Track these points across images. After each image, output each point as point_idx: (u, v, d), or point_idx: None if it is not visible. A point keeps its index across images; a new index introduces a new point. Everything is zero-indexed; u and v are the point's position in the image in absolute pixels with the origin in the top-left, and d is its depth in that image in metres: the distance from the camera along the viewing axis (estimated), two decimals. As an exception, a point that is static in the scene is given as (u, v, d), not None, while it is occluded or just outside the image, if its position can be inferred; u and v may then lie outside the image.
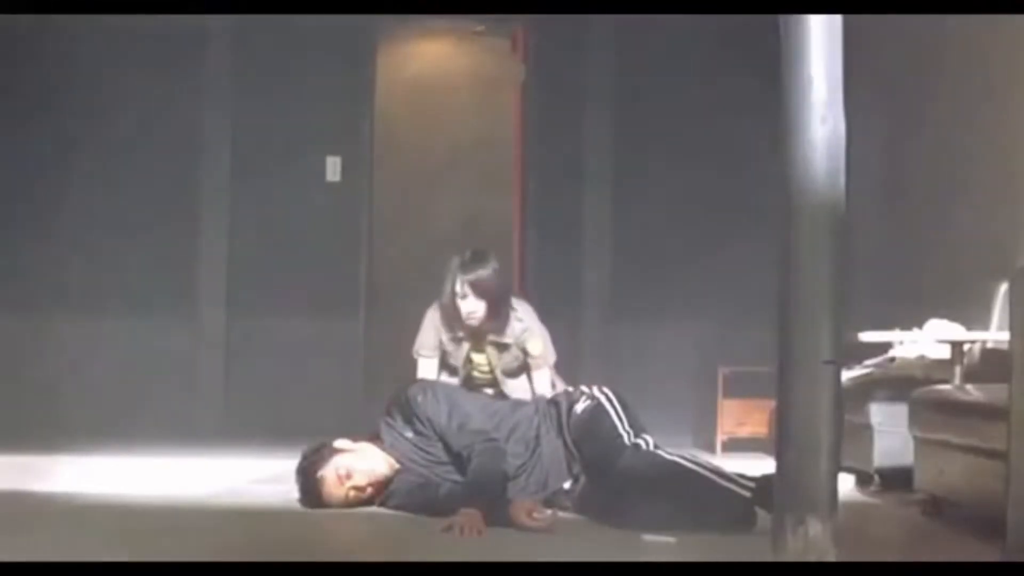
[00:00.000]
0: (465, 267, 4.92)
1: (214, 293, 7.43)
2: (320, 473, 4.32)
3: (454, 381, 5.09)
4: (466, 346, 5.10)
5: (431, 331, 5.09)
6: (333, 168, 7.47)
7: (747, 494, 4.04)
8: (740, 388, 6.65)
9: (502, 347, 5.07)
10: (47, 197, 7.27)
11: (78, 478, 4.97)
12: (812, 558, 3.03)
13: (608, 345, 7.28)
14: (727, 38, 7.08)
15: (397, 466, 4.40)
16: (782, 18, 3.15)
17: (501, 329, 5.04)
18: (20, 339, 7.19)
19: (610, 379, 4.98)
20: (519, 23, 7.64)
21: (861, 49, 4.10)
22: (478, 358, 5.14)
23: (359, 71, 7.52)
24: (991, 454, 3.78)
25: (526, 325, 5.08)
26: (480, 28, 8.35)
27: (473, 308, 4.91)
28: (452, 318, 4.99)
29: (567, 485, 4.39)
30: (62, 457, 5.54)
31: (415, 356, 5.12)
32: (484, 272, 4.90)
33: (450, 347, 5.11)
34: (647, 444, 4.36)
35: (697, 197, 7.39)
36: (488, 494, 4.08)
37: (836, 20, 3.13)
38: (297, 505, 4.42)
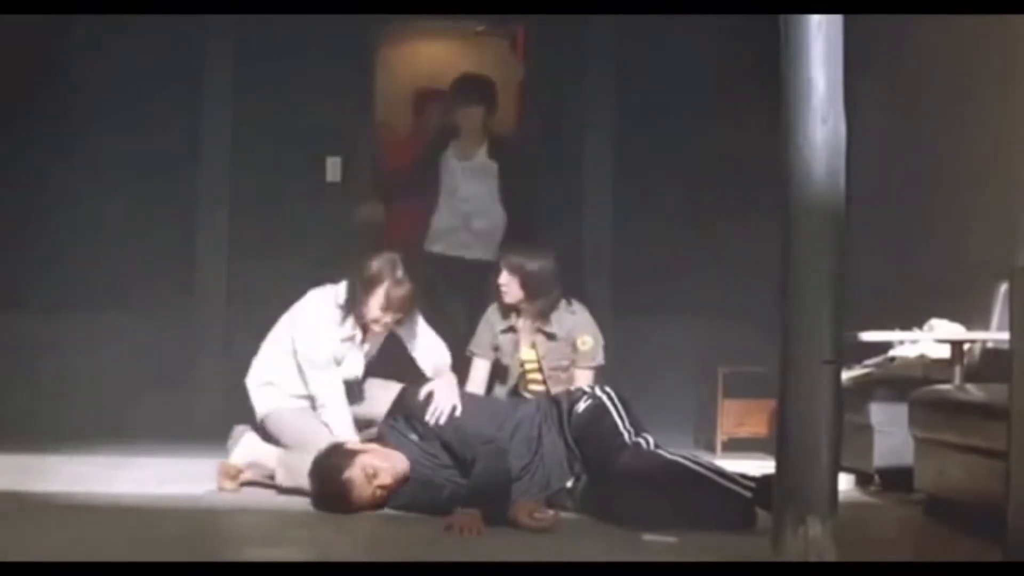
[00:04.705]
0: (505, 247, 5.38)
1: (214, 292, 7.42)
2: (347, 475, 4.24)
3: (502, 391, 5.25)
4: (516, 340, 5.24)
5: (485, 330, 5.34)
6: (333, 168, 7.46)
7: (747, 494, 4.04)
8: (740, 388, 6.64)
9: (550, 336, 5.21)
10: (46, 195, 7.27)
11: (78, 478, 4.97)
12: (812, 558, 3.04)
13: (608, 345, 7.27)
14: (728, 38, 7.07)
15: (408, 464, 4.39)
16: (782, 18, 3.16)
17: (546, 315, 5.20)
18: (20, 338, 7.18)
19: (609, 379, 4.99)
20: (519, 23, 7.64)
21: (861, 48, 4.10)
22: (528, 355, 5.28)
23: (359, 71, 7.52)
24: (991, 454, 3.78)
25: (579, 319, 5.25)
26: (480, 28, 8.35)
27: (505, 281, 5.16)
28: (498, 297, 5.25)
29: (569, 484, 4.39)
30: (62, 457, 5.53)
31: (468, 355, 5.34)
32: (520, 255, 5.19)
33: (503, 342, 5.27)
34: (648, 443, 4.37)
35: (697, 197, 7.38)
36: (492, 497, 4.08)
37: (836, 20, 3.14)
38: (297, 505, 4.43)
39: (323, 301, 4.98)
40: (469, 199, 6.33)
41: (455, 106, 6.42)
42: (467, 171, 6.35)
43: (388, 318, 4.87)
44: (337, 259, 6.41)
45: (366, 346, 5.03)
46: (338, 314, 4.94)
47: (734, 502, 4.05)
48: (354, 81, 7.48)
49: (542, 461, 4.39)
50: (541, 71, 7.59)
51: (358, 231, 6.61)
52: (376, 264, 4.84)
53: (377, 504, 4.31)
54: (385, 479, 4.28)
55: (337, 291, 4.98)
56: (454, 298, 6.16)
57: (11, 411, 6.62)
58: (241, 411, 7.17)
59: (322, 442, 4.54)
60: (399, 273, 4.83)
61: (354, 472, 4.26)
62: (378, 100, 7.63)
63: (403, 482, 4.34)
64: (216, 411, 7.21)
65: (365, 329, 4.94)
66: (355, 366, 5.01)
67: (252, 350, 6.13)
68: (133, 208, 7.29)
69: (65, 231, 7.25)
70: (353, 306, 4.90)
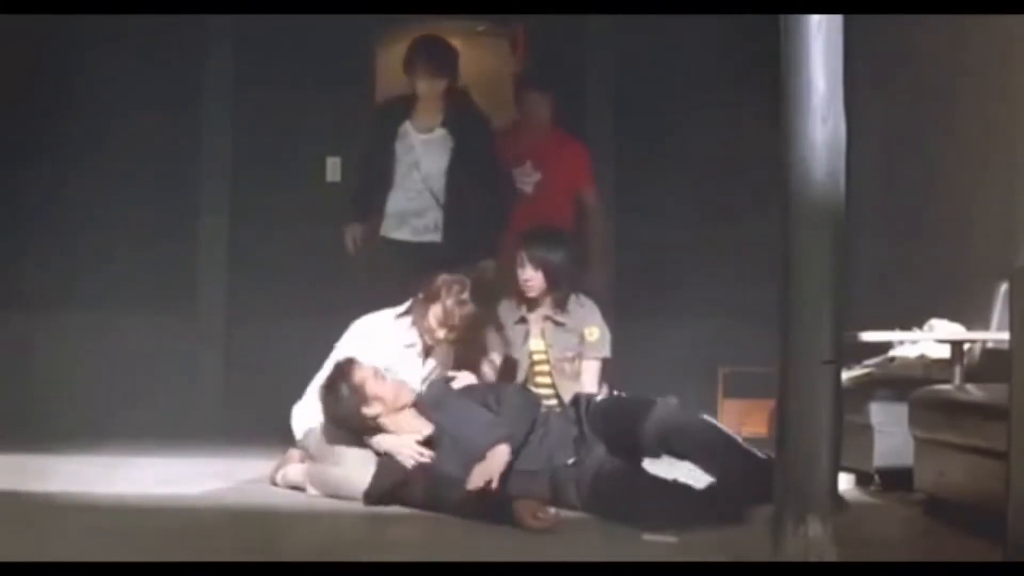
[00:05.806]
0: (529, 240, 5.27)
1: (214, 293, 7.43)
2: (354, 367, 4.53)
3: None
4: (527, 331, 5.29)
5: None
6: (333, 168, 7.47)
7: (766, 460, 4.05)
8: (740, 388, 6.65)
9: (559, 325, 5.28)
10: (47, 196, 7.27)
11: (78, 478, 4.97)
12: (812, 558, 3.03)
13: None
14: (728, 38, 7.07)
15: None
16: (782, 19, 3.16)
17: (560, 304, 5.26)
18: (20, 338, 7.18)
19: (609, 379, 4.99)
20: (519, 23, 7.63)
21: (862, 49, 4.10)
22: (536, 345, 5.32)
23: (359, 71, 7.52)
24: (991, 454, 3.78)
25: (587, 311, 5.33)
26: (481, 28, 8.35)
27: (529, 276, 5.22)
28: (515, 291, 5.29)
29: (570, 461, 4.37)
30: (62, 457, 5.53)
31: None
32: (546, 250, 5.22)
33: (513, 334, 5.30)
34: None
35: (698, 197, 7.38)
36: (524, 427, 4.27)
37: (836, 20, 3.14)
38: (298, 505, 4.42)
39: (365, 324, 5.06)
40: (432, 176, 5.71)
41: (413, 72, 5.73)
42: (427, 144, 5.73)
43: (443, 333, 4.90)
44: (337, 259, 6.45)
45: (431, 361, 5.03)
46: (392, 324, 5.02)
47: (760, 467, 4.02)
48: (354, 81, 7.49)
49: (547, 437, 4.39)
50: (541, 70, 7.58)
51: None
52: (440, 280, 4.90)
53: (382, 394, 4.46)
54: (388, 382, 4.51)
55: (397, 309, 5.06)
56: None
57: (11, 411, 6.63)
58: (240, 411, 7.19)
59: (347, 451, 4.60)
60: (464, 295, 4.86)
61: (361, 365, 4.55)
62: (378, 100, 7.63)
63: (407, 392, 4.54)
64: (216, 411, 7.23)
65: (428, 345, 5.00)
66: (412, 374, 4.96)
67: (252, 350, 6.17)
68: (134, 209, 7.30)
69: (66, 231, 7.25)
70: (414, 315, 4.98)
